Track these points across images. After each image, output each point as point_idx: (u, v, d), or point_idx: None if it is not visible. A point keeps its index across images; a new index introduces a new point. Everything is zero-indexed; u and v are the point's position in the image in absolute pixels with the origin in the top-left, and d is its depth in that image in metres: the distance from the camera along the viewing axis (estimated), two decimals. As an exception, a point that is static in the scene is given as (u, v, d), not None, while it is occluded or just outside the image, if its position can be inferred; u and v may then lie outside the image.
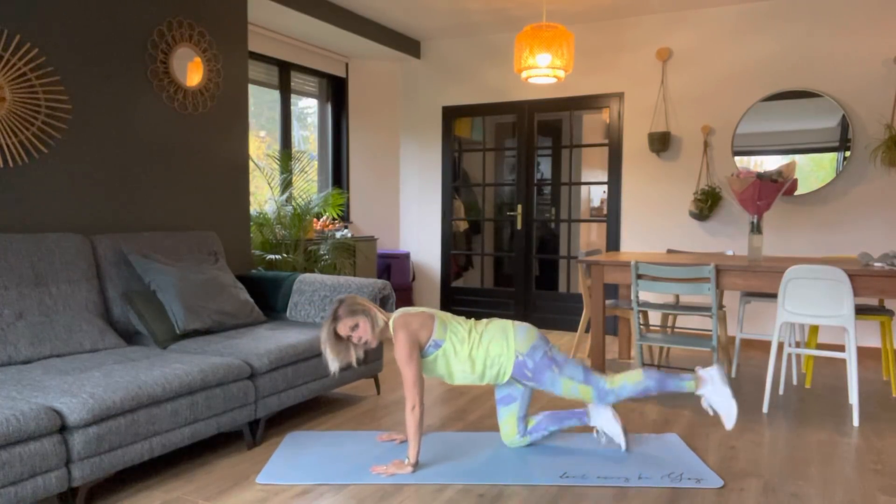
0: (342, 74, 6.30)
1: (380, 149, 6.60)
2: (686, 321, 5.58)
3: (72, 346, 2.93)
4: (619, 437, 2.97)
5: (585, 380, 2.80)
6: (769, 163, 5.23)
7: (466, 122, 6.89)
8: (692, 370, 2.99)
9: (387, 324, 2.80)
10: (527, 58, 4.25)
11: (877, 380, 4.38)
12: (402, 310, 2.84)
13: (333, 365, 2.76)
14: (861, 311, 3.94)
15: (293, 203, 5.19)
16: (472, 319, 2.91)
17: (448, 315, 2.89)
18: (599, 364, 4.25)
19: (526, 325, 2.88)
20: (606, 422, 2.99)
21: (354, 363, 2.84)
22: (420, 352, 2.77)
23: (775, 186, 3.94)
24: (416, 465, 2.73)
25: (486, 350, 2.78)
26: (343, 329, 2.76)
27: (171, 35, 3.86)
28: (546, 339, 2.88)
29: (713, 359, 3.94)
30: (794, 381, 4.24)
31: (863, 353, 5.03)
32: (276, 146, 5.68)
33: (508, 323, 2.86)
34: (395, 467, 2.71)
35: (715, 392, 2.82)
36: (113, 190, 3.60)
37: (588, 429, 3.19)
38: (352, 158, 6.40)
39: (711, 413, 2.83)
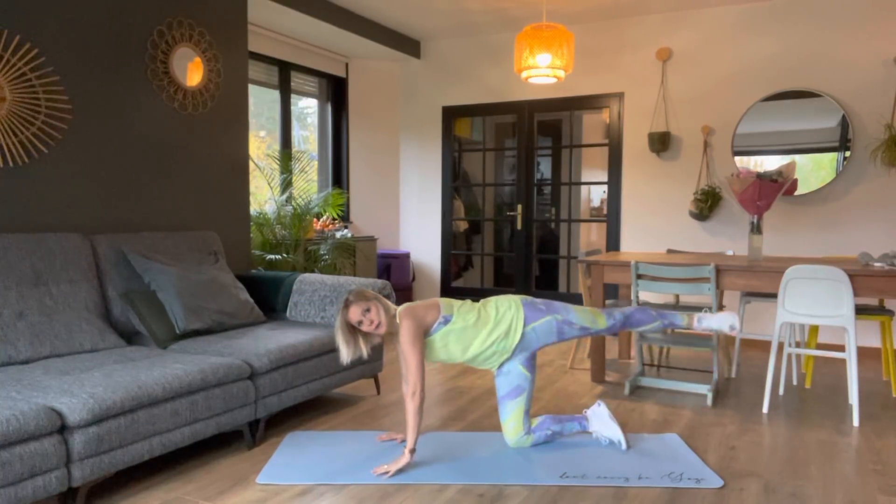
0: (342, 74, 6.30)
1: (380, 149, 6.60)
2: (686, 321, 5.57)
3: (72, 346, 2.93)
4: (617, 437, 3.01)
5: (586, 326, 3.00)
6: (769, 163, 5.23)
7: (466, 122, 6.90)
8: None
9: (394, 316, 2.81)
10: (527, 58, 4.25)
11: (877, 380, 4.38)
12: (406, 304, 2.89)
13: (346, 354, 2.76)
14: (861, 311, 3.94)
15: (293, 203, 5.19)
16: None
17: (453, 300, 3.00)
18: (599, 364, 4.25)
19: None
20: (604, 426, 3.05)
21: (365, 354, 2.81)
22: (426, 333, 2.83)
23: (775, 186, 3.94)
24: (414, 452, 2.75)
25: (494, 309, 2.93)
26: (355, 314, 2.73)
27: (171, 35, 3.86)
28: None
29: (713, 362, 3.94)
30: (794, 381, 4.24)
31: (863, 353, 5.03)
32: (276, 146, 5.68)
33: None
34: (395, 462, 2.73)
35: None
36: (113, 190, 3.60)
37: (588, 432, 3.19)
38: (352, 158, 6.40)
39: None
